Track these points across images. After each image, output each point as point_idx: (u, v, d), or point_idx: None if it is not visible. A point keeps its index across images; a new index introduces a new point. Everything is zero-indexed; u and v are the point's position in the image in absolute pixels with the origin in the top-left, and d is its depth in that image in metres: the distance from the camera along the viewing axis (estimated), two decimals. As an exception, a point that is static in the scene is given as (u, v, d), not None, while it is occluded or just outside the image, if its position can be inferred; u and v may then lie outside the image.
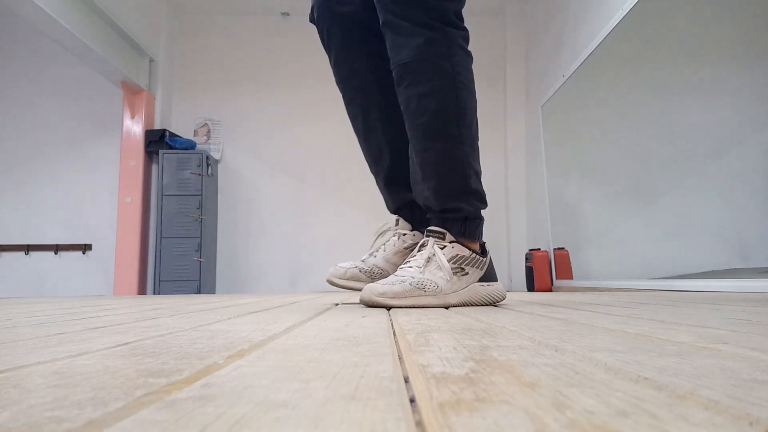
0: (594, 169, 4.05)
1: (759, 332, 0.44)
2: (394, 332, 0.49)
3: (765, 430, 0.16)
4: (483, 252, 1.08)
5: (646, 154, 3.92)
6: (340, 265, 1.17)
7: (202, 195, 4.39)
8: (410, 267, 1.01)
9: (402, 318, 0.68)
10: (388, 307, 0.94)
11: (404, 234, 1.21)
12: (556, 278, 3.86)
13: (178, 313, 0.87)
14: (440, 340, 0.41)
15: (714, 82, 3.83)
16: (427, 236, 1.05)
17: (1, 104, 5.00)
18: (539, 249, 4.06)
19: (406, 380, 0.25)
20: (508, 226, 4.77)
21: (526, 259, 4.09)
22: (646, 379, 0.24)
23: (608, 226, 3.99)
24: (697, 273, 3.40)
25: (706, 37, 3.76)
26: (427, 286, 0.97)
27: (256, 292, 4.33)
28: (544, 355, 0.32)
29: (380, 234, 1.26)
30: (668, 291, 2.17)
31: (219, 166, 4.88)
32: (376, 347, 0.37)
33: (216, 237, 4.76)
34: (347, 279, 1.15)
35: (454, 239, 1.04)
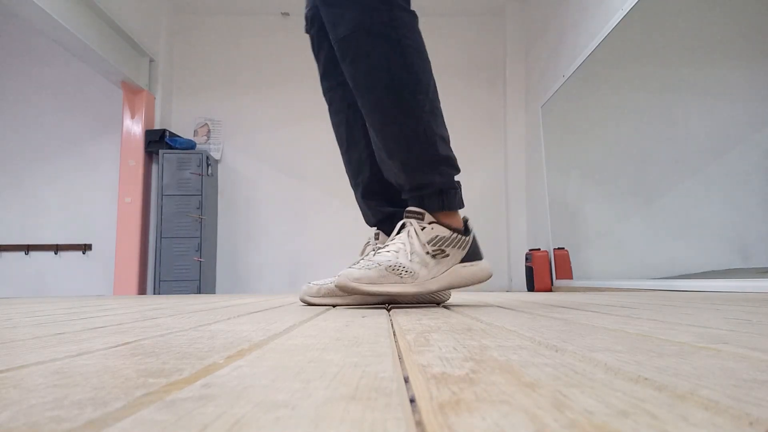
0: (594, 169, 4.05)
1: (759, 332, 0.44)
2: (394, 332, 0.49)
3: (765, 430, 0.16)
4: (466, 230, 1.03)
5: (646, 154, 3.92)
6: (314, 282, 1.11)
7: (202, 195, 4.39)
8: (387, 251, 0.97)
9: (402, 318, 0.68)
10: (362, 293, 0.92)
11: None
12: (556, 278, 3.86)
13: (178, 313, 0.87)
14: (440, 340, 0.41)
15: (714, 82, 3.83)
16: (406, 217, 1.00)
17: (1, 104, 5.00)
18: (539, 249, 4.06)
19: (406, 380, 0.25)
20: (508, 226, 4.77)
21: (526, 259, 4.09)
22: (646, 379, 0.24)
23: (608, 226, 3.99)
24: (697, 273, 3.40)
25: (706, 37, 3.76)
26: (404, 272, 0.93)
27: (256, 292, 4.33)
28: (544, 355, 0.32)
29: (369, 244, 1.22)
30: (668, 291, 2.17)
31: (219, 166, 4.88)
32: (376, 347, 0.37)
33: (216, 237, 4.76)
34: (321, 296, 1.08)
35: (433, 219, 0.99)
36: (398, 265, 0.93)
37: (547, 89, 4.08)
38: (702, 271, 3.45)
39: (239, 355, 0.34)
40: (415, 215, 0.99)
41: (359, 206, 1.23)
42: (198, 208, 4.36)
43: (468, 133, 4.74)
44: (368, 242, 1.17)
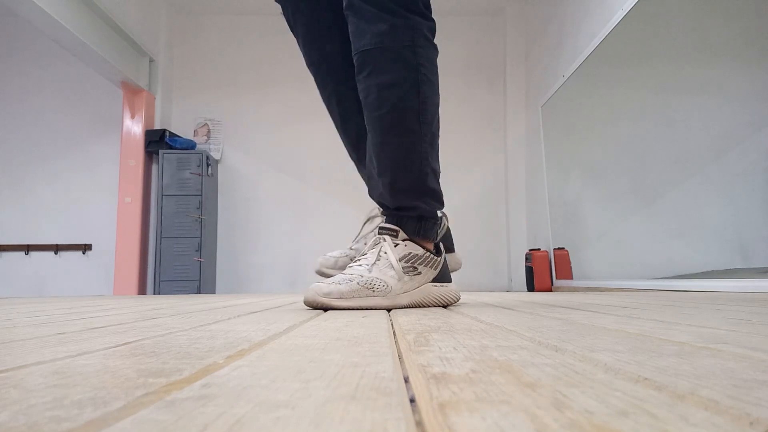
0: (594, 169, 4.05)
1: (759, 332, 0.44)
2: (394, 332, 0.49)
3: (765, 430, 0.16)
4: (437, 251, 1.04)
5: (646, 154, 3.92)
6: (330, 254, 1.11)
7: (202, 195, 4.39)
8: (359, 265, 0.97)
9: (402, 318, 0.68)
10: (332, 309, 0.90)
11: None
12: (556, 278, 3.86)
13: (178, 313, 0.87)
14: (440, 340, 0.41)
15: (714, 82, 3.83)
16: (379, 234, 1.01)
17: (1, 104, 5.00)
18: (539, 249, 4.06)
19: (406, 380, 0.25)
20: (508, 226, 4.77)
21: (526, 259, 4.09)
22: (646, 379, 0.24)
23: (608, 226, 3.99)
24: (697, 273, 3.40)
25: (706, 37, 3.76)
26: (376, 286, 0.93)
27: (256, 292, 4.33)
28: (544, 355, 0.32)
29: (369, 219, 1.22)
30: (668, 291, 2.17)
31: (219, 166, 4.88)
32: (376, 347, 0.37)
33: (216, 237, 4.76)
34: (339, 269, 1.07)
35: (407, 237, 0.99)
36: (371, 279, 0.93)
37: (547, 89, 4.08)
38: (702, 271, 3.45)
39: (239, 355, 0.34)
40: (389, 232, 1.00)
41: (363, 179, 1.22)
42: (198, 208, 4.36)
43: (468, 133, 4.74)
44: (373, 215, 1.16)
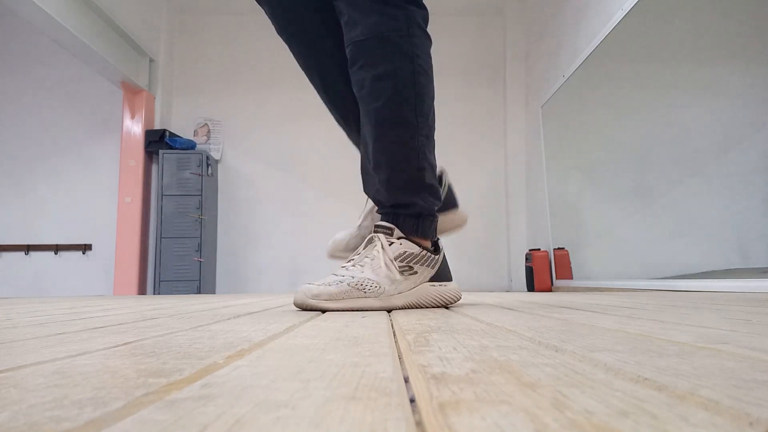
0: (594, 169, 4.05)
1: (759, 332, 0.44)
2: (394, 332, 0.49)
3: (765, 430, 0.16)
4: (436, 249, 1.00)
5: (646, 154, 3.92)
6: (338, 237, 1.06)
7: (202, 195, 4.39)
8: (353, 266, 0.94)
9: (402, 318, 0.68)
10: (320, 310, 0.87)
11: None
12: (556, 278, 3.86)
13: (178, 313, 0.87)
14: (440, 340, 0.41)
15: (714, 82, 3.83)
16: (375, 231, 0.97)
17: (1, 104, 5.00)
18: (539, 249, 4.06)
19: (406, 380, 0.25)
20: (508, 226, 4.77)
21: (526, 259, 4.09)
22: (646, 379, 0.24)
23: (608, 226, 3.99)
24: (697, 273, 3.40)
25: (706, 37, 3.76)
26: (368, 287, 0.90)
27: (256, 292, 4.33)
28: (544, 355, 0.32)
29: (367, 213, 1.17)
30: (668, 291, 2.17)
31: (219, 166, 4.88)
32: (376, 347, 0.37)
33: (216, 237, 4.75)
34: (351, 251, 1.03)
35: (402, 235, 0.96)
36: (363, 280, 0.90)
37: (547, 89, 4.08)
38: (702, 271, 3.45)
39: (239, 355, 0.34)
40: (384, 230, 0.96)
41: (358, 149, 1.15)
42: (198, 208, 4.36)
43: (468, 133, 4.74)
44: (368, 211, 1.12)
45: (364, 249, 0.97)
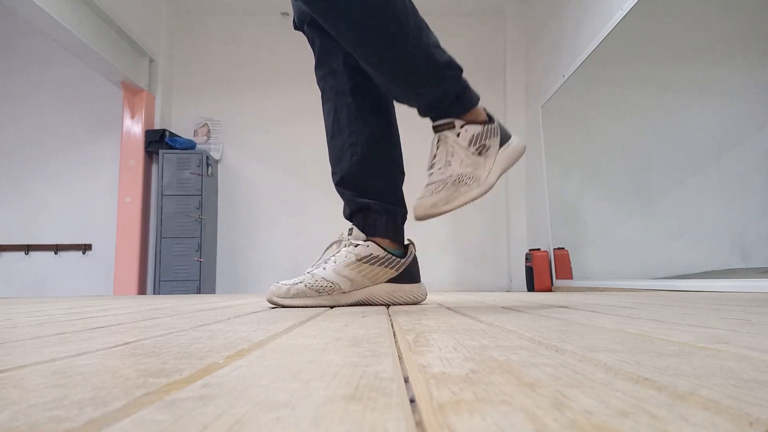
0: (594, 169, 4.05)
1: (759, 332, 0.44)
2: (394, 332, 0.49)
3: (765, 430, 0.16)
4: (490, 119, 1.04)
5: (646, 154, 3.93)
6: (282, 282, 1.07)
7: (202, 195, 4.39)
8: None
9: (402, 318, 0.68)
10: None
11: (357, 245, 1.08)
12: (556, 278, 3.86)
13: (178, 313, 0.87)
14: (440, 340, 0.41)
15: (714, 82, 3.83)
16: (437, 131, 1.02)
17: (1, 103, 5.00)
18: (539, 249, 4.05)
19: (406, 380, 0.25)
20: (508, 226, 4.77)
21: (526, 259, 4.09)
22: (646, 379, 0.24)
23: (608, 226, 3.99)
24: (697, 273, 3.40)
25: (706, 37, 3.76)
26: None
27: (256, 292, 4.33)
28: (544, 355, 0.32)
29: (334, 244, 1.15)
30: (668, 291, 2.17)
31: (219, 166, 4.88)
32: (376, 347, 0.37)
33: (216, 237, 4.75)
34: (291, 297, 1.04)
35: (463, 122, 1.00)
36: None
37: (547, 89, 4.07)
38: (702, 271, 3.46)
39: (239, 355, 0.34)
40: (446, 126, 1.01)
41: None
42: (198, 208, 4.36)
43: (468, 133, 4.73)
44: (339, 239, 1.14)
45: (436, 149, 1.02)
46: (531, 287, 3.98)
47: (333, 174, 1.22)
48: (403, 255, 1.08)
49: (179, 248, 4.28)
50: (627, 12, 2.83)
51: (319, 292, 1.02)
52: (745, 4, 3.68)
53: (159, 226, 4.32)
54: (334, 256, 1.09)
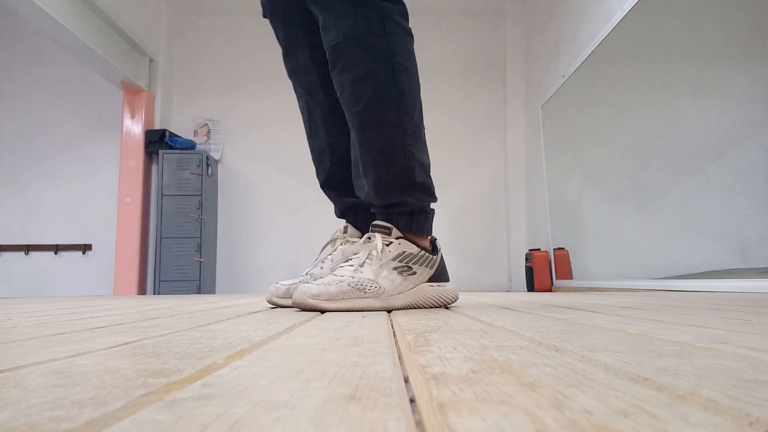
0: (594, 169, 4.05)
1: (759, 332, 0.44)
2: (394, 332, 0.49)
3: (765, 430, 0.16)
4: (434, 249, 0.99)
5: (646, 154, 3.92)
6: (281, 282, 1.05)
7: (202, 195, 4.39)
8: (350, 265, 0.92)
9: (402, 318, 0.68)
10: (320, 311, 0.86)
11: (353, 242, 1.06)
12: (556, 278, 3.86)
13: (178, 313, 0.87)
14: (440, 341, 0.41)
15: (714, 82, 3.83)
16: (372, 231, 0.96)
17: (1, 104, 5.00)
18: (539, 249, 4.05)
19: (406, 380, 0.25)
20: (508, 226, 4.77)
21: (526, 259, 4.09)
22: (646, 379, 0.24)
23: (608, 226, 3.99)
24: (697, 273, 3.40)
25: (706, 37, 3.76)
26: (368, 287, 0.88)
27: (256, 292, 4.33)
28: (544, 355, 0.32)
29: (329, 243, 1.14)
30: (668, 291, 2.17)
31: (219, 166, 4.88)
32: (376, 347, 0.37)
33: (216, 237, 4.75)
34: (290, 297, 1.00)
35: (401, 235, 0.94)
36: (362, 280, 0.89)
37: (547, 89, 4.07)
38: (702, 271, 3.46)
39: (239, 355, 0.34)
40: (381, 229, 0.95)
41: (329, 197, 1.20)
42: (198, 208, 4.36)
43: (468, 133, 4.73)
44: (334, 238, 1.14)
45: (361, 247, 0.96)
46: (531, 287, 3.98)
47: (317, 175, 1.21)
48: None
49: (179, 248, 4.28)
50: (627, 12, 2.83)
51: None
52: (744, 4, 3.68)
53: (159, 226, 4.32)
54: (330, 255, 1.06)
